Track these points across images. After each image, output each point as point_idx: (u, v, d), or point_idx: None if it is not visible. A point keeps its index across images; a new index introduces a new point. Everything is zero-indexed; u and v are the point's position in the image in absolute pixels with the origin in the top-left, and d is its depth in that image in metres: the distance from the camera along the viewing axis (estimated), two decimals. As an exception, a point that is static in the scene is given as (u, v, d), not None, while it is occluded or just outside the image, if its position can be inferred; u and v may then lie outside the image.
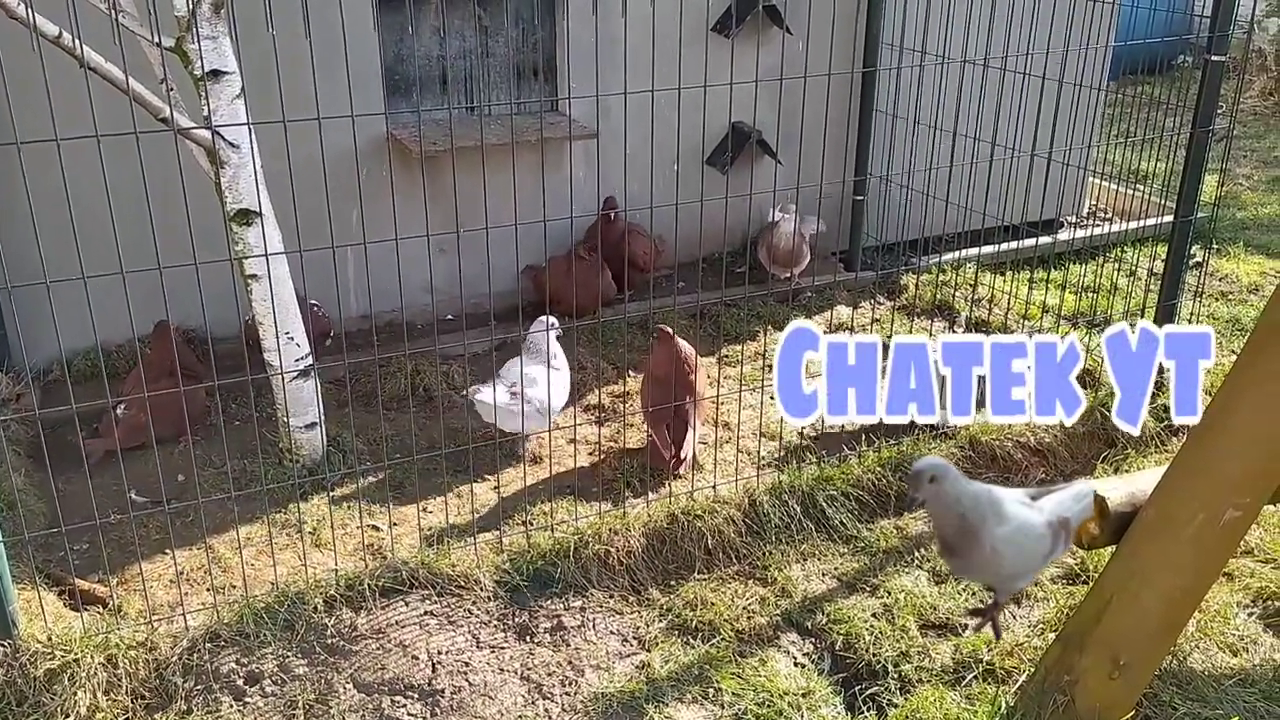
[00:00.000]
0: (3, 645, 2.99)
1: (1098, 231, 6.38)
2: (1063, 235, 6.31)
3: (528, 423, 4.06)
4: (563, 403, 4.30)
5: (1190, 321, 4.92)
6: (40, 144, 2.80)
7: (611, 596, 3.51)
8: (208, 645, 3.13)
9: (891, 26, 5.57)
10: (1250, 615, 3.48)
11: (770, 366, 4.98)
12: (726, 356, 5.12)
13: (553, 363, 4.23)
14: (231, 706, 3.01)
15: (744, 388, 4.59)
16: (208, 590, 3.42)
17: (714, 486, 3.89)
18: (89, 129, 2.79)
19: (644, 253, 5.48)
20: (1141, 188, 6.79)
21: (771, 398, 4.70)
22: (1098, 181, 7.07)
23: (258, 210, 3.70)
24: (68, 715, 2.91)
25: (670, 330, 4.22)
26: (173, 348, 4.19)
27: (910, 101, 5.17)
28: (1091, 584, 3.00)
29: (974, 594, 3.58)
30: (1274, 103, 9.81)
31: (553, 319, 4.28)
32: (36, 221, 2.90)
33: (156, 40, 3.39)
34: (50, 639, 3.04)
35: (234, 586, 3.40)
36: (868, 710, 3.13)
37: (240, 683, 3.07)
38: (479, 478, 4.18)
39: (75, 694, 2.94)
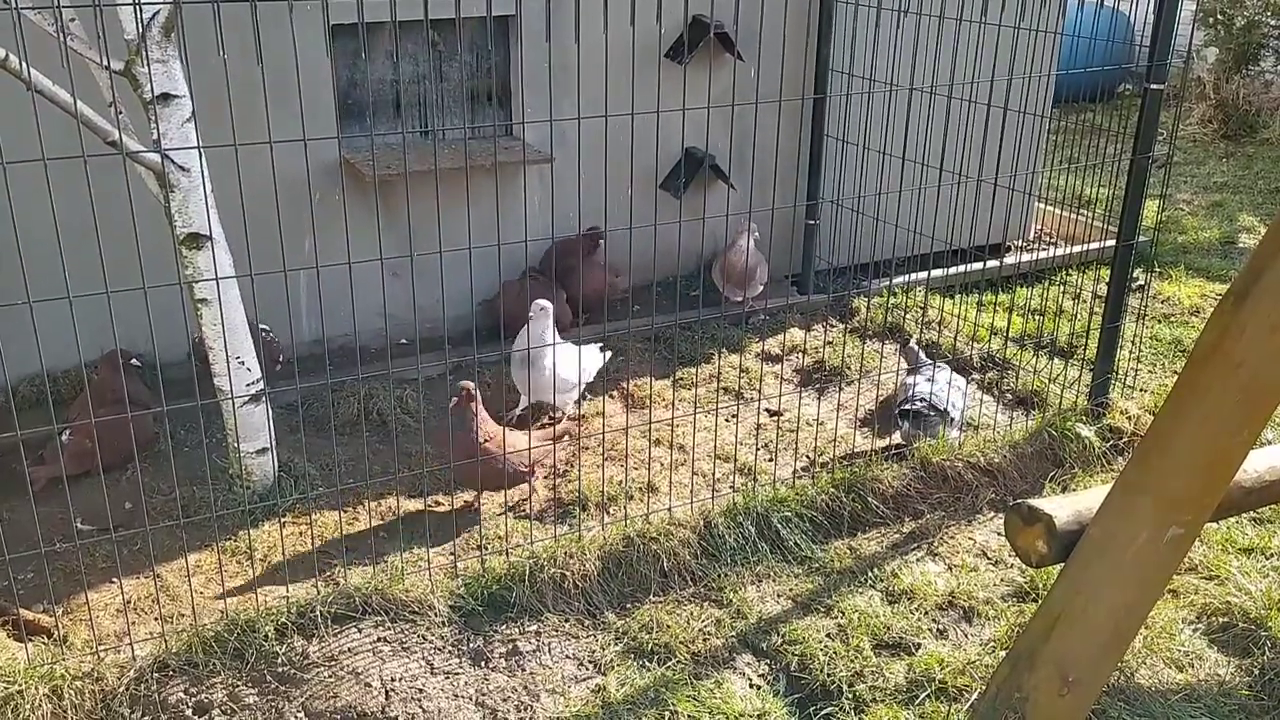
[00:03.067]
0: (-57, 678, 2.93)
1: (1043, 255, 6.50)
2: (1010, 259, 6.43)
3: (561, 394, 4.48)
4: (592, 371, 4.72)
5: (1133, 343, 5.03)
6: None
7: (567, 620, 3.50)
8: (155, 675, 3.08)
9: (841, 54, 5.66)
10: (1195, 631, 3.55)
11: (725, 389, 5.02)
12: (681, 379, 5.14)
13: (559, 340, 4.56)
14: (180, 737, 2.96)
15: (698, 410, 4.61)
16: (156, 619, 3.37)
17: (669, 509, 3.90)
18: (35, 152, 2.75)
19: (597, 280, 5.50)
20: (1085, 213, 6.93)
21: (726, 420, 4.74)
22: (1043, 206, 7.21)
23: (208, 234, 3.67)
24: (11, 749, 2.85)
25: (471, 390, 3.96)
26: (120, 374, 4.13)
27: (860, 127, 5.24)
28: (1040, 602, 3.04)
29: (926, 613, 3.61)
30: (1213, 130, 10.06)
31: (545, 301, 4.52)
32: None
33: (105, 64, 3.36)
34: (-8, 670, 2.98)
35: (183, 615, 3.35)
36: (823, 731, 3.14)
37: (189, 713, 3.03)
38: (433, 503, 4.16)
39: (18, 727, 2.88)
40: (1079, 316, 5.39)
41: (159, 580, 3.56)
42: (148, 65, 3.40)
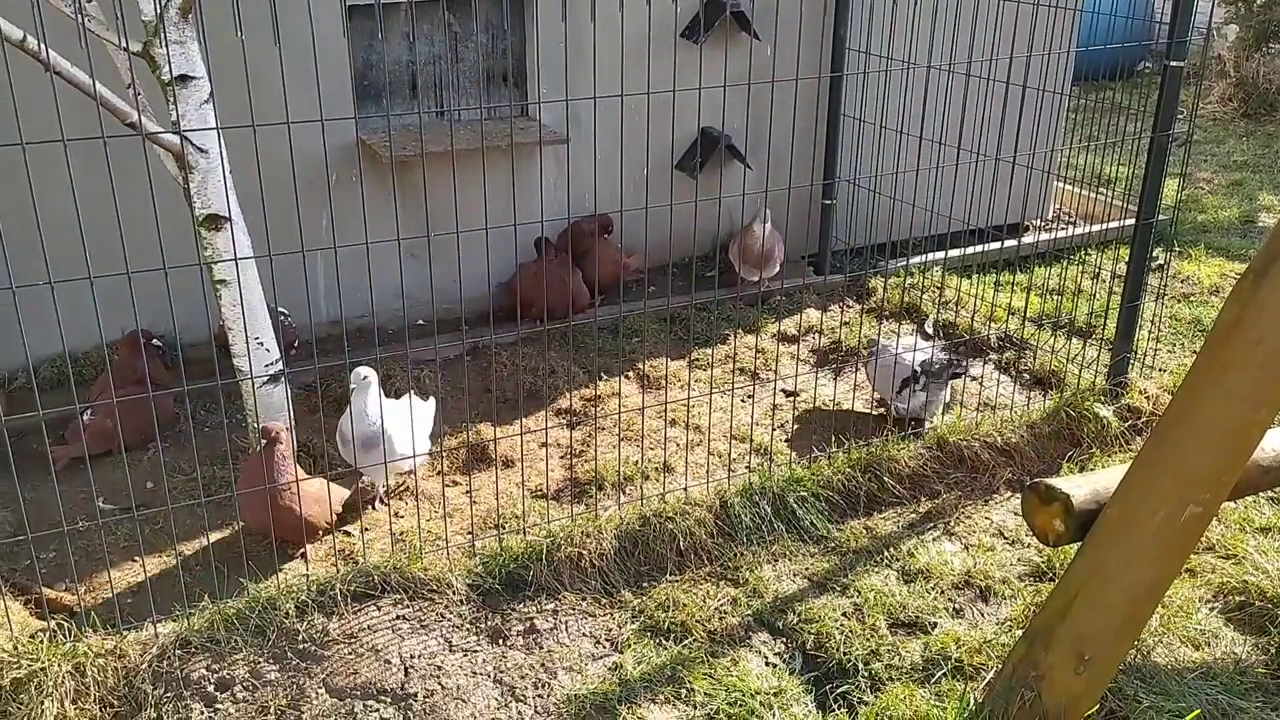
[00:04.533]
0: (-33, 655, 2.96)
1: (1062, 235, 6.47)
2: (1028, 239, 6.39)
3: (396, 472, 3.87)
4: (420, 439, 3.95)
5: (1153, 322, 5.00)
6: (6, 148, 2.78)
7: (584, 599, 3.52)
8: (178, 652, 3.11)
9: (858, 32, 5.62)
10: (1212, 610, 3.54)
11: (741, 370, 5.02)
12: (697, 360, 5.15)
13: (386, 405, 3.87)
14: (202, 713, 3.00)
15: (714, 390, 4.62)
16: (177, 597, 3.40)
17: (685, 489, 3.91)
18: (55, 134, 2.77)
19: (611, 262, 5.50)
20: (1104, 192, 6.88)
21: (742, 401, 4.75)
22: (1062, 185, 7.16)
23: (227, 215, 3.69)
24: (35, 725, 2.88)
25: (276, 433, 3.62)
26: (141, 355, 4.17)
27: (877, 106, 5.22)
28: (1057, 581, 3.04)
29: (942, 593, 3.62)
30: (1233, 108, 9.97)
31: (366, 370, 3.87)
32: (2, 226, 2.87)
33: (124, 45, 3.37)
34: (16, 648, 3.02)
35: (204, 593, 3.38)
36: (839, 708, 3.15)
37: (211, 689, 3.06)
38: (451, 481, 4.18)
39: (42, 703, 2.92)
40: (1098, 296, 5.37)
41: (180, 558, 3.60)
42: (166, 47, 3.41)
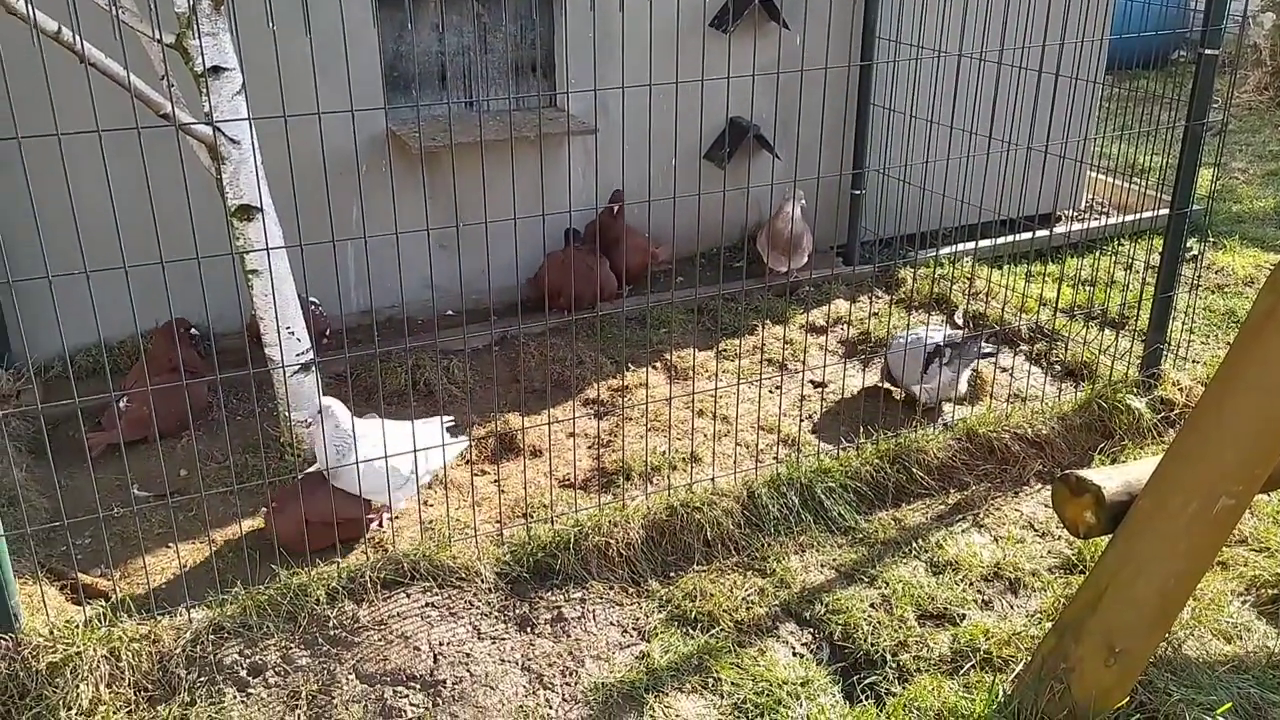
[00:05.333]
0: (5, 639, 3.00)
1: (1095, 225, 6.41)
2: (1060, 229, 6.34)
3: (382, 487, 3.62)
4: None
5: (1186, 314, 4.95)
6: (42, 138, 2.81)
7: (611, 588, 3.53)
8: (211, 637, 3.15)
9: (888, 20, 5.59)
10: (1244, 603, 3.51)
11: (769, 360, 5.01)
12: (724, 351, 5.14)
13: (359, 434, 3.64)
14: (235, 698, 3.03)
15: (742, 381, 4.62)
16: (210, 583, 3.44)
17: (712, 479, 3.91)
18: (90, 125, 2.80)
19: (639, 251, 5.50)
20: (1138, 181, 6.81)
21: (770, 391, 4.74)
22: (1095, 175, 7.10)
23: (258, 205, 3.72)
24: (70, 708, 2.92)
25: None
26: (176, 344, 4.21)
27: (907, 95, 5.19)
28: (1087, 574, 3.02)
29: (971, 584, 3.61)
30: (1269, 97, 9.83)
31: (330, 401, 3.66)
32: (39, 217, 2.91)
33: (157, 37, 3.40)
34: (52, 632, 3.06)
35: (237, 579, 3.42)
36: (866, 699, 3.15)
37: (243, 674, 3.09)
38: (479, 470, 4.20)
39: (78, 687, 2.96)
40: (1131, 287, 5.32)
41: (213, 545, 3.64)
42: (199, 38, 3.44)
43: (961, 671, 3.21)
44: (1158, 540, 2.75)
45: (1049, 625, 3.13)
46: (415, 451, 3.55)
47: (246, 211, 3.72)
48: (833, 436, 4.38)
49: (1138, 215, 6.33)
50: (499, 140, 4.95)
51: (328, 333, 4.85)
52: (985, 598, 3.56)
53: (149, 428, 4.00)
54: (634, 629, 3.39)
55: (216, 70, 3.55)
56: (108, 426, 4.21)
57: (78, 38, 3.13)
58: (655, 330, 5.29)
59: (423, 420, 3.72)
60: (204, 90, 3.56)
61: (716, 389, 4.59)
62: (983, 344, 4.53)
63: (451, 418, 3.98)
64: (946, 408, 4.60)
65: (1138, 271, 5.25)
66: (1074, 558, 3.72)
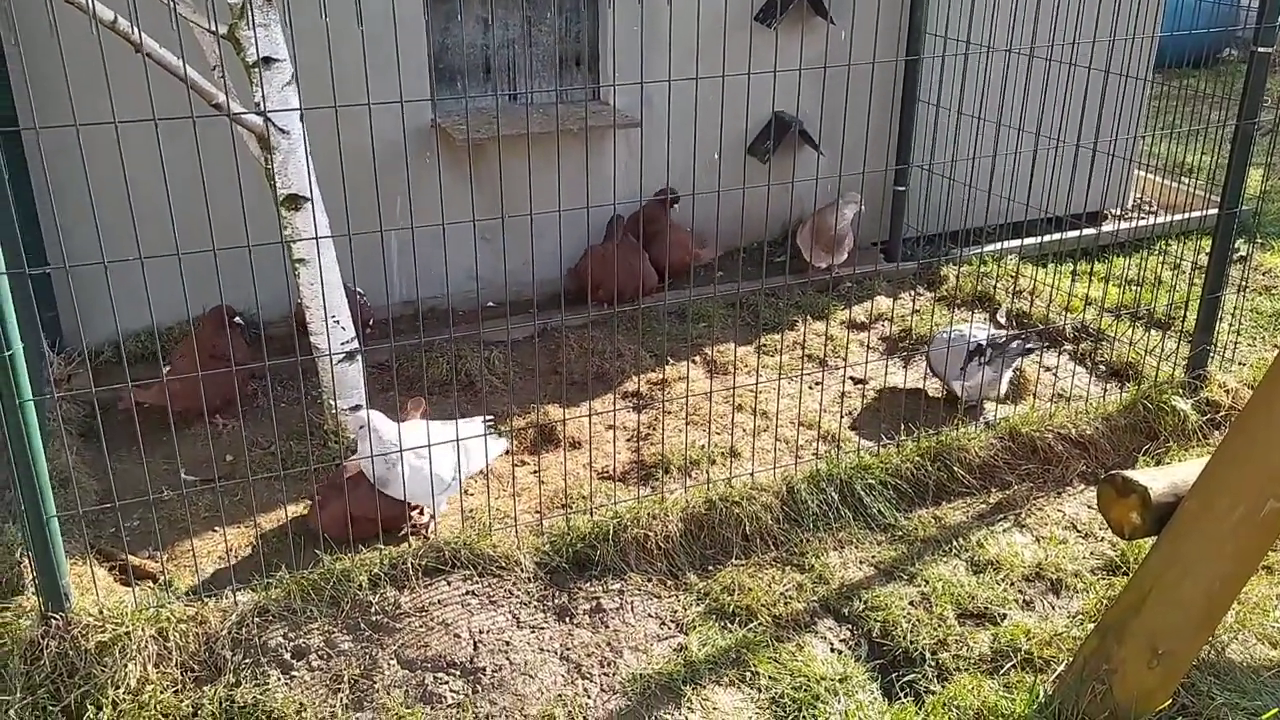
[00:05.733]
0: (55, 618, 3.06)
1: (1142, 224, 6.33)
2: (1106, 227, 6.27)
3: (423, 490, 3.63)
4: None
5: (1233, 315, 4.89)
6: (97, 126, 2.85)
7: (649, 580, 3.55)
8: (256, 620, 3.20)
9: (935, 15, 5.55)
10: (1291, 609, 3.46)
11: (809, 356, 5.00)
12: (765, 346, 5.14)
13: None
14: (279, 680, 3.08)
15: (782, 376, 4.61)
16: (255, 566, 3.49)
17: (751, 474, 3.91)
18: (139, 114, 2.84)
19: (681, 248, 5.51)
20: (1186, 180, 6.72)
21: (810, 387, 4.73)
22: (1142, 174, 7.01)
23: (306, 195, 3.76)
24: (118, 686, 2.98)
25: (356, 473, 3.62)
26: (224, 330, 4.26)
27: (953, 91, 5.15)
28: (1131, 575, 2.99)
29: (1011, 584, 3.58)
30: (1323, 96, 9.65)
31: (376, 415, 3.65)
32: (95, 204, 2.96)
33: (213, 27, 3.45)
34: (102, 612, 3.12)
35: (281, 563, 3.46)
36: (905, 697, 3.14)
37: (287, 657, 3.14)
38: (519, 461, 4.23)
39: (126, 666, 3.01)
40: (1178, 287, 5.25)
41: (259, 529, 3.69)
42: (252, 29, 3.48)
43: (1002, 671, 3.20)
44: (1204, 542, 2.72)
45: (1091, 626, 3.11)
46: (459, 461, 3.59)
47: (294, 201, 3.77)
48: (873, 433, 4.37)
49: (1186, 215, 6.25)
50: (543, 133, 4.97)
51: (370, 322, 4.90)
52: (1026, 598, 3.54)
53: (185, 402, 4.01)
54: (672, 621, 3.41)
55: (268, 61, 3.59)
56: (155, 392, 4.19)
57: (135, 27, 3.18)
58: (695, 324, 5.29)
59: (465, 420, 3.73)
60: (255, 80, 3.60)
61: (757, 384, 4.59)
62: (1025, 343, 4.50)
63: (491, 417, 4.00)
64: (989, 406, 4.57)
65: (1185, 272, 5.18)
66: (1117, 559, 3.69)
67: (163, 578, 3.48)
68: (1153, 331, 5.16)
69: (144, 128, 2.83)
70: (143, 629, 3.09)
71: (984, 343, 4.41)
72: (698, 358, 5.02)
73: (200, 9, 3.58)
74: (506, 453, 4.15)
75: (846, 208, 5.50)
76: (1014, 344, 4.47)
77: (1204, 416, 4.39)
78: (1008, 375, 4.55)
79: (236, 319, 4.45)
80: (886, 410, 4.55)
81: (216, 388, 4.13)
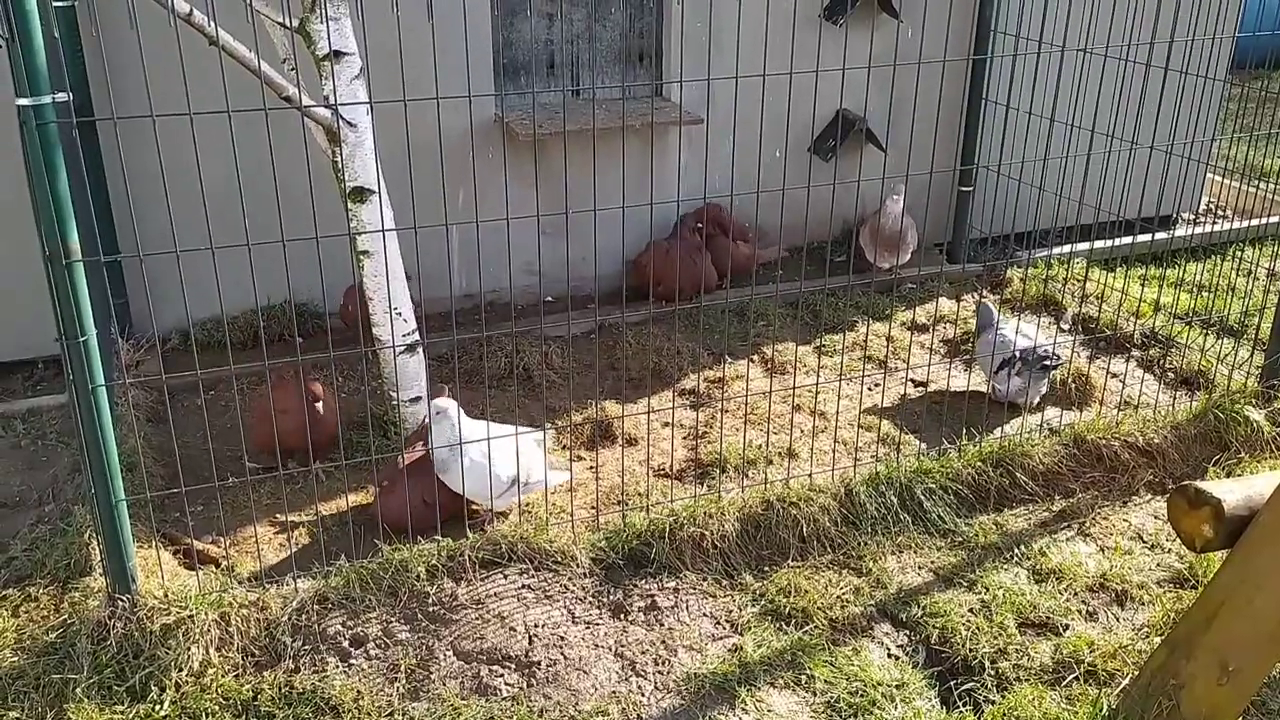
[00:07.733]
0: (122, 599, 3.13)
1: (1214, 229, 6.18)
2: (1178, 232, 6.13)
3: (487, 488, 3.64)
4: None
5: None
6: (169, 117, 2.89)
7: (705, 579, 3.53)
8: (316, 607, 3.23)
9: (1006, 14, 5.46)
10: (1368, 629, 3.35)
11: (869, 357, 4.95)
12: (824, 346, 5.09)
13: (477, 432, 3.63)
14: (337, 667, 3.11)
15: (841, 378, 4.57)
16: (316, 555, 3.52)
17: (809, 475, 3.88)
18: (209, 106, 2.87)
19: (743, 256, 5.49)
20: (1261, 185, 6.55)
21: (870, 389, 4.68)
22: (1215, 177, 6.84)
23: (373, 188, 3.79)
24: (181, 669, 3.03)
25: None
26: (301, 400, 3.96)
27: (1022, 90, 5.06)
28: (1201, 589, 2.92)
29: (1075, 594, 3.52)
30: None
31: (444, 402, 3.63)
32: (169, 194, 3.00)
33: (285, 21, 3.49)
34: (166, 595, 3.17)
35: (341, 552, 3.50)
36: (964, 706, 3.10)
37: (346, 645, 3.17)
38: (576, 456, 4.23)
39: (189, 648, 3.07)
40: (1251, 294, 5.12)
41: (321, 518, 3.73)
42: (325, 22, 3.52)
43: (1064, 683, 3.14)
44: (1278, 557, 2.64)
45: (1158, 640, 3.04)
46: (518, 475, 3.62)
47: (360, 194, 3.80)
48: (933, 437, 4.31)
49: (1262, 220, 6.09)
50: (606, 129, 4.97)
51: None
52: (1090, 609, 3.47)
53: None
54: (727, 621, 3.39)
55: (338, 54, 3.62)
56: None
57: (211, 21, 3.22)
58: (755, 323, 5.26)
59: (525, 431, 3.66)
60: (324, 74, 3.64)
61: (817, 384, 4.55)
62: (1045, 358, 4.42)
63: (550, 426, 3.89)
64: (1052, 412, 4.49)
65: (1258, 278, 5.05)
66: (1185, 571, 3.61)
67: (225, 563, 3.53)
68: (1224, 339, 5.03)
69: (209, 119, 2.86)
70: (206, 613, 3.14)
71: (1018, 354, 4.38)
72: (756, 357, 5.00)
73: (273, 3, 3.62)
74: (558, 441, 4.14)
75: (892, 203, 5.42)
76: (1042, 361, 4.41)
77: (1277, 428, 4.28)
78: (1040, 387, 4.50)
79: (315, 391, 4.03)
80: (947, 414, 4.48)
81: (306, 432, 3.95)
